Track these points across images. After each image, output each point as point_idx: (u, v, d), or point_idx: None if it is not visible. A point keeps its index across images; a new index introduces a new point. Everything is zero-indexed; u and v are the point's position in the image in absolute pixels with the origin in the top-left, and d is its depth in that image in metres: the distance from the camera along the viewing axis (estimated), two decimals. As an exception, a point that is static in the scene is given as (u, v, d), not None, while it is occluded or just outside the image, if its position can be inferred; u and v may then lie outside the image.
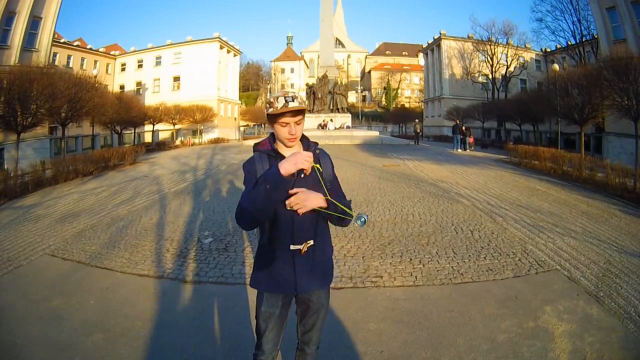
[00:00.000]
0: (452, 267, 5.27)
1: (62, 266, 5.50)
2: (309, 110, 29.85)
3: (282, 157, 2.18)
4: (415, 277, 5.00)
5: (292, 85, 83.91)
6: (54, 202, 9.68)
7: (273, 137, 2.30)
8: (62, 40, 39.48)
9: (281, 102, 2.11)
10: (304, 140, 2.33)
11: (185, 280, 4.99)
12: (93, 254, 5.92)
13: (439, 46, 49.17)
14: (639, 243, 6.12)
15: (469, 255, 5.65)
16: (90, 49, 43.98)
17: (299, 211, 2.08)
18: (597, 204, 8.88)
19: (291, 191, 2.06)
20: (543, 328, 3.73)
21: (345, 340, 3.60)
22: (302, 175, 2.15)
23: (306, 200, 2.07)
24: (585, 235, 6.53)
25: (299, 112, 2.15)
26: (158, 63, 46.67)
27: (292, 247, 2.19)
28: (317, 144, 2.39)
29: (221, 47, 46.55)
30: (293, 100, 2.12)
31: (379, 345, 3.53)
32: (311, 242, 2.22)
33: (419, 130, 33.88)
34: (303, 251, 2.21)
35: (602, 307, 4.09)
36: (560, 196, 9.73)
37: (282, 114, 2.12)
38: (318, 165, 2.17)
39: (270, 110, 2.14)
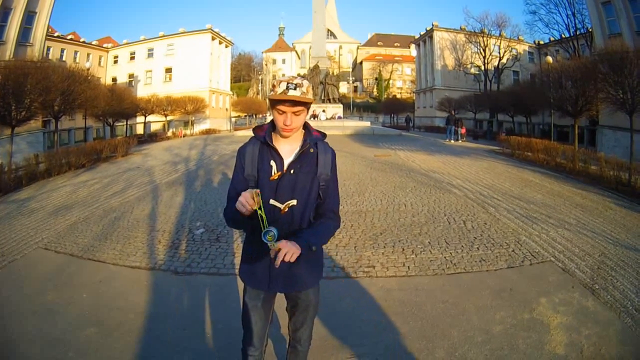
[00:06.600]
0: (445, 257, 5.29)
1: (55, 259, 5.44)
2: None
3: (274, 149, 2.11)
4: (408, 267, 5.01)
5: (283, 75, 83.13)
6: (48, 195, 9.56)
7: (273, 123, 2.17)
8: (55, 34, 38.84)
9: (282, 87, 1.96)
10: (307, 132, 2.19)
11: (177, 272, 4.98)
12: (86, 246, 5.87)
13: (431, 37, 48.79)
14: (634, 236, 6.13)
15: (462, 246, 5.67)
16: (84, 42, 43.22)
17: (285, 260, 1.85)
18: (591, 197, 8.92)
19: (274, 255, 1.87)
20: (539, 320, 3.74)
21: (339, 332, 3.59)
22: (292, 171, 2.08)
23: (292, 256, 1.86)
24: (580, 227, 6.55)
25: (300, 103, 1.98)
26: (150, 55, 46.05)
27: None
28: (324, 135, 2.25)
29: (213, 39, 45.96)
30: (295, 89, 1.95)
31: (373, 336, 3.53)
32: None
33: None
34: None
35: (598, 300, 4.10)
36: (553, 188, 9.77)
37: (281, 101, 1.97)
38: (259, 198, 1.87)
39: (271, 93, 2.01)
